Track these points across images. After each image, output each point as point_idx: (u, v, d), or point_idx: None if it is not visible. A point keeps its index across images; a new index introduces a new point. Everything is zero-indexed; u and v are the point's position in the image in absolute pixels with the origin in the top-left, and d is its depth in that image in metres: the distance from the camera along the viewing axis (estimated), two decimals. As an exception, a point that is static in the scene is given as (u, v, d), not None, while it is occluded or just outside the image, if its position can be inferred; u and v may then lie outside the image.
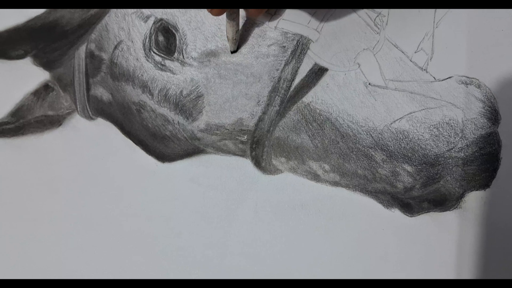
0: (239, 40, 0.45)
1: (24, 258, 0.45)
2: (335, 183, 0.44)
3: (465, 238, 0.42)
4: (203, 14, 0.46)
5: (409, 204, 0.43)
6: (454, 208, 0.43)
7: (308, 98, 0.44)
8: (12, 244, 0.45)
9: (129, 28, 0.46)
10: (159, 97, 0.45)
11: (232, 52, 0.45)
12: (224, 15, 0.42)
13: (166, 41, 0.45)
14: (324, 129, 0.44)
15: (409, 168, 0.43)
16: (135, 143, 0.46)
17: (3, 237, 0.45)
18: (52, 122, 0.47)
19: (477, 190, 0.43)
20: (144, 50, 0.45)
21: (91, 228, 0.45)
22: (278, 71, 0.44)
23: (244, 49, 0.45)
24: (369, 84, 0.44)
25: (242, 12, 0.44)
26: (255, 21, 0.45)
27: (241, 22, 0.45)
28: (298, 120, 0.44)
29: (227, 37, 0.44)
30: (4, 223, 0.46)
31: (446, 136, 0.43)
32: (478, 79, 0.44)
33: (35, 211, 0.46)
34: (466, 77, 0.44)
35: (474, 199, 0.43)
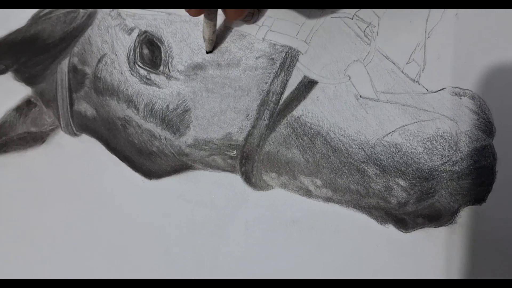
0: (216, 41, 0.44)
1: (8, 276, 0.44)
2: (328, 199, 0.43)
3: (461, 253, 0.42)
4: (188, 26, 0.45)
5: (403, 219, 0.42)
6: (450, 223, 0.42)
7: (298, 111, 0.43)
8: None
9: (112, 41, 0.45)
10: (145, 112, 0.44)
11: (207, 52, 0.44)
12: (201, 16, 0.41)
13: (151, 54, 0.44)
14: (315, 143, 0.43)
15: (402, 183, 0.42)
16: (121, 160, 0.45)
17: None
18: (35, 139, 0.46)
19: (472, 205, 0.42)
20: (129, 63, 0.45)
21: (76, 247, 0.44)
22: (267, 84, 0.43)
23: (232, 61, 0.44)
24: (360, 96, 0.43)
25: (220, 11, 0.43)
26: (236, 25, 0.45)
27: (219, 22, 0.44)
28: (288, 134, 0.43)
29: (203, 37, 0.43)
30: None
31: (440, 150, 0.42)
32: (471, 90, 0.43)
33: (19, 230, 0.44)
34: (459, 88, 0.43)
35: (469, 214, 0.42)
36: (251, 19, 0.45)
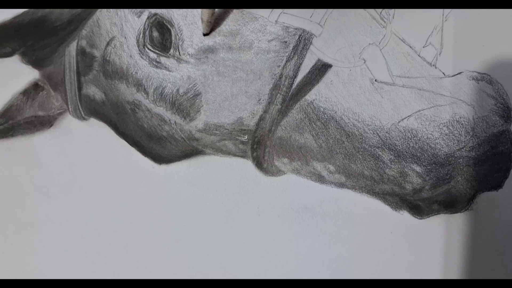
0: (214, 23, 0.43)
1: (15, 263, 0.44)
2: (341, 185, 0.43)
3: (476, 241, 0.42)
4: (199, 8, 0.44)
5: (418, 206, 0.42)
6: (465, 210, 0.42)
7: (312, 95, 0.42)
8: (2, 250, 0.44)
9: (121, 24, 0.44)
10: (155, 95, 0.43)
11: (204, 35, 0.43)
12: None
13: (161, 37, 0.44)
14: (329, 128, 0.42)
15: (418, 169, 0.41)
16: (130, 144, 0.45)
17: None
18: (43, 123, 0.45)
19: (489, 191, 0.42)
20: (138, 46, 0.44)
21: (85, 234, 0.44)
22: (280, 68, 0.43)
23: (244, 44, 0.43)
24: (376, 80, 0.43)
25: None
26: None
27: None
28: (301, 119, 0.42)
29: (201, 18, 0.42)
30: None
31: (457, 135, 0.41)
32: (489, 75, 0.42)
33: (26, 216, 0.44)
34: (477, 72, 0.43)
35: (486, 200, 0.42)
36: None
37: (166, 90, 0.43)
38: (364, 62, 0.43)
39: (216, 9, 0.42)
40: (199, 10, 0.44)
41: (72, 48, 0.45)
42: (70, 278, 0.43)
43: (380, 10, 0.43)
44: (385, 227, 0.42)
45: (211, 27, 0.43)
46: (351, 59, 0.43)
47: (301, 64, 0.43)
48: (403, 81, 0.42)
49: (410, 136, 0.42)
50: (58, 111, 0.45)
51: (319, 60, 0.43)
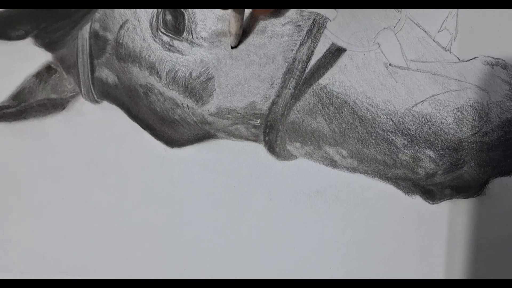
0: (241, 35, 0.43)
1: (27, 249, 0.44)
2: (353, 169, 0.43)
3: (489, 225, 0.41)
4: (213, -9, 0.44)
5: (430, 190, 0.42)
6: (478, 195, 0.42)
7: (325, 80, 0.42)
8: (14, 235, 0.44)
9: (135, 7, 0.44)
10: (168, 79, 0.43)
11: (232, 48, 0.43)
12: (229, 10, 0.41)
13: (175, 20, 0.43)
14: (342, 112, 0.42)
15: (431, 154, 0.41)
16: (143, 128, 0.45)
17: (5, 227, 0.44)
18: (56, 105, 0.45)
19: (502, 176, 0.42)
20: (151, 29, 0.44)
21: (97, 216, 0.44)
22: (293, 52, 0.42)
23: (257, 28, 0.43)
24: (390, 65, 0.42)
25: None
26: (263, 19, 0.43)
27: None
28: (314, 103, 0.42)
29: (230, 31, 0.42)
30: (6, 212, 0.44)
31: (470, 120, 0.41)
32: (504, 60, 0.42)
33: (38, 199, 0.44)
34: (491, 57, 0.42)
35: (499, 186, 0.42)
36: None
37: (179, 74, 0.43)
38: (379, 46, 0.43)
39: (244, 21, 0.42)
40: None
41: (85, 31, 0.45)
42: (82, 259, 0.43)
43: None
44: (398, 212, 0.42)
45: (239, 40, 0.43)
46: (366, 43, 0.43)
47: (314, 48, 0.42)
48: (418, 65, 0.42)
49: (423, 121, 0.41)
50: (71, 94, 0.45)
51: (333, 44, 0.42)
